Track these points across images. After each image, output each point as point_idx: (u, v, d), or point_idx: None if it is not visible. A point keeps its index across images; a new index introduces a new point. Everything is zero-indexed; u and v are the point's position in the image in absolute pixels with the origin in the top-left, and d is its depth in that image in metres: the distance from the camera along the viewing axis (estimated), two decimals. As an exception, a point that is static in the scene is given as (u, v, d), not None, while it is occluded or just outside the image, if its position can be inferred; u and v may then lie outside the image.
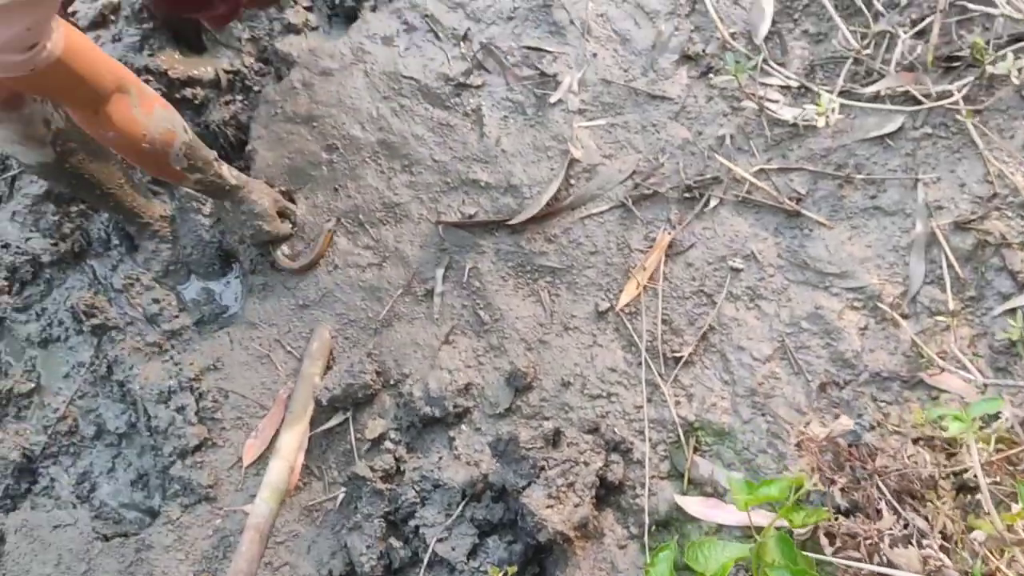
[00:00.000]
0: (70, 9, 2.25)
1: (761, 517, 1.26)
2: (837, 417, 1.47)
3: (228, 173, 1.84)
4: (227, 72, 2.17)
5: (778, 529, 1.13)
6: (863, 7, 1.76)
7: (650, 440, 1.60)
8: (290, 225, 1.97)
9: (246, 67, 2.19)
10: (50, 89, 1.43)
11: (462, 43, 2.01)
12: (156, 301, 2.03)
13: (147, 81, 2.11)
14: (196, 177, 1.75)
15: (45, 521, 1.91)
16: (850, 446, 1.18)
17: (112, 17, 2.20)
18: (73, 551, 1.85)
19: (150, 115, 1.59)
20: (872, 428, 1.38)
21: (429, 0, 2.06)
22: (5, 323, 2.17)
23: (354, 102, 2.02)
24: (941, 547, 0.98)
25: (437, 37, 2.03)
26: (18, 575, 1.87)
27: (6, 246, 2.12)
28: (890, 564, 1.05)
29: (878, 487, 1.08)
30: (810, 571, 1.04)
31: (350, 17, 2.21)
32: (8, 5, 1.07)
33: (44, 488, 1.98)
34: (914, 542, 1.05)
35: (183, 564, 1.74)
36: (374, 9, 2.15)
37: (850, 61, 1.75)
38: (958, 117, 1.62)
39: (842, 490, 1.14)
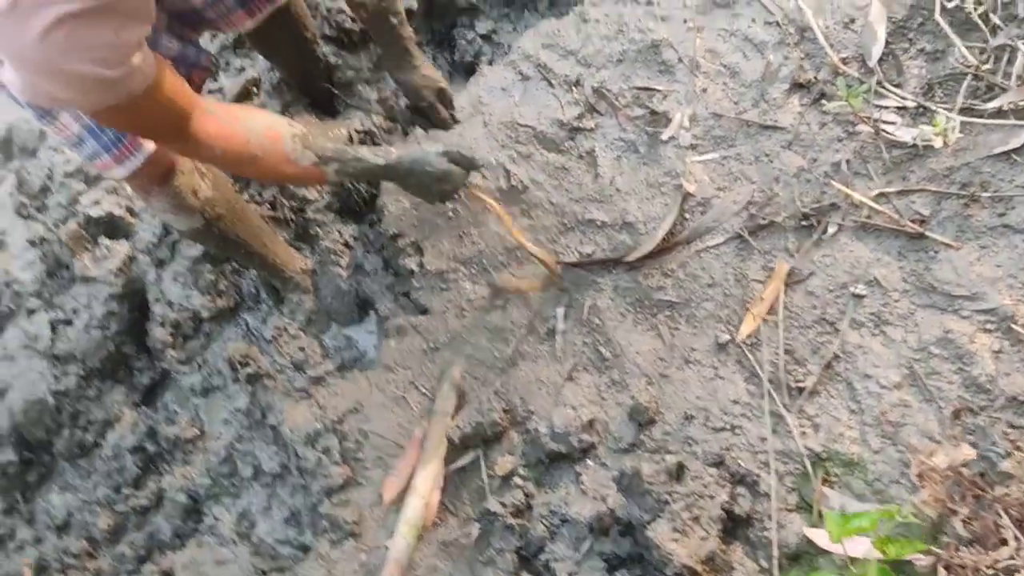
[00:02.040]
0: (216, 84, 2.44)
1: (861, 547, 1.21)
2: (972, 445, 1.39)
3: (371, 153, 1.73)
4: (359, 132, 2.28)
5: (883, 562, 1.08)
6: (980, 22, 1.68)
7: (776, 472, 1.55)
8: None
9: (376, 126, 2.29)
10: (150, 121, 1.38)
11: (574, 88, 2.04)
12: (302, 349, 2.14)
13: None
14: (335, 168, 1.65)
15: (210, 558, 2.03)
16: (976, 475, 1.11)
17: (255, 90, 2.36)
18: (235, 584, 1.96)
19: (242, 120, 1.54)
20: (1007, 456, 1.30)
21: (542, 50, 2.10)
22: (171, 375, 2.34)
23: (474, 152, 2.08)
24: None
25: (550, 84, 2.07)
26: (188, 606, 2.00)
27: (170, 304, 2.29)
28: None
29: (999, 515, 1.01)
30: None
31: (469, 71, 2.29)
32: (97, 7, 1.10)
33: (208, 527, 2.11)
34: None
35: (332, 597, 1.82)
36: (491, 63, 2.22)
37: (969, 77, 1.66)
38: (1090, 126, 1.52)
39: (964, 521, 1.08)
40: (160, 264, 2.31)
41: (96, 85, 1.17)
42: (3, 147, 2.60)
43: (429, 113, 2.06)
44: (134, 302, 2.34)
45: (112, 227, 2.37)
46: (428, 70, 2.05)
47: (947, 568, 1.02)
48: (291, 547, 2.01)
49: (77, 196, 2.40)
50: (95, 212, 2.33)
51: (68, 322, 2.32)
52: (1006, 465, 1.30)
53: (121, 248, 2.34)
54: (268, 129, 1.57)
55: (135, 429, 2.25)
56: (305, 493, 2.00)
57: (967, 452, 1.17)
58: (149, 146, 1.64)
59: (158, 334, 2.26)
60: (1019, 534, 1.00)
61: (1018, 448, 1.32)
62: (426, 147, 1.77)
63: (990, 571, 0.98)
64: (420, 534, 1.73)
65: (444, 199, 1.84)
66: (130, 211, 2.37)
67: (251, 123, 1.55)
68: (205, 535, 2.09)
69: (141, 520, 2.19)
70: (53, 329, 2.32)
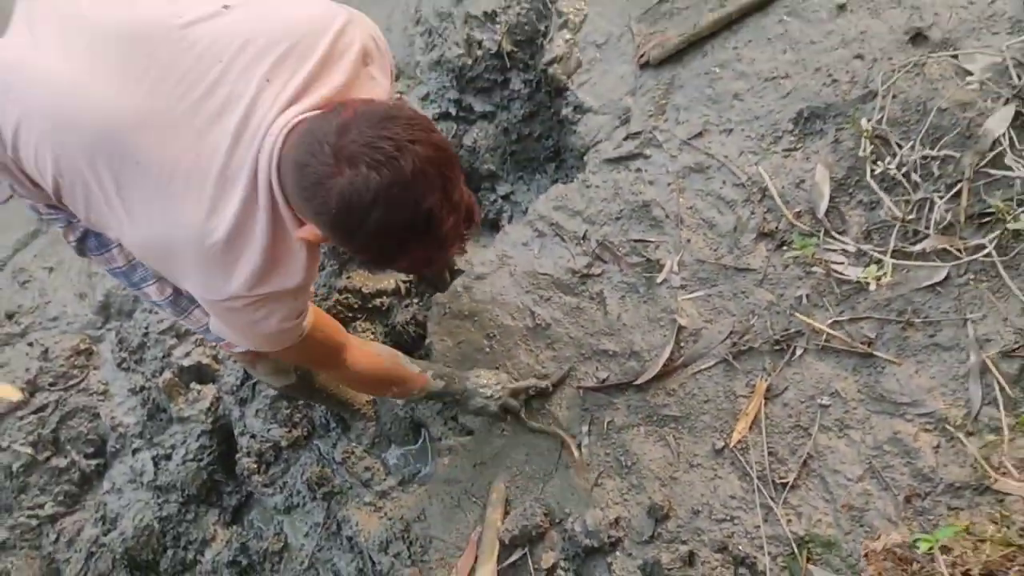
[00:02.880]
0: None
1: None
2: (921, 525, 1.74)
3: (452, 382, 2.23)
4: (404, 282, 2.69)
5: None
6: (903, 180, 2.09)
7: (769, 554, 1.90)
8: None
9: (407, 281, 2.70)
10: (313, 353, 1.81)
11: (582, 242, 2.44)
12: (368, 468, 2.50)
13: (346, 297, 2.65)
14: (439, 384, 2.18)
15: (304, 654, 2.37)
16: (903, 556, 1.46)
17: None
18: (328, 676, 2.29)
19: (372, 347, 2.04)
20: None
21: (553, 211, 2.51)
22: (255, 496, 2.70)
23: (504, 297, 2.47)
24: None
25: (562, 239, 2.47)
26: None
27: (253, 436, 2.65)
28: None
29: None
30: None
31: (493, 227, 2.71)
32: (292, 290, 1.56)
33: (299, 627, 2.46)
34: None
35: None
36: (511, 221, 2.64)
37: (898, 225, 2.07)
38: (995, 263, 1.91)
39: None
40: (243, 403, 2.69)
41: (286, 334, 1.61)
42: (101, 311, 3.01)
43: (435, 282, 2.44)
44: (222, 436, 2.71)
45: (201, 374, 2.76)
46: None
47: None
48: (373, 641, 2.35)
49: (170, 350, 2.80)
50: (186, 362, 2.73)
51: (168, 457, 2.69)
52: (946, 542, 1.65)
53: (209, 391, 2.73)
54: (389, 352, 2.07)
55: (229, 545, 2.60)
56: (379, 593, 2.34)
57: (897, 537, 1.52)
58: None
59: (245, 463, 2.62)
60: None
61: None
62: (487, 391, 2.27)
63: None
64: (484, 622, 2.07)
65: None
66: (215, 359, 2.77)
67: (379, 348, 2.05)
68: (297, 635, 2.43)
69: (239, 625, 2.53)
70: (155, 464, 2.69)
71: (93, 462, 2.82)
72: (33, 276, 3.13)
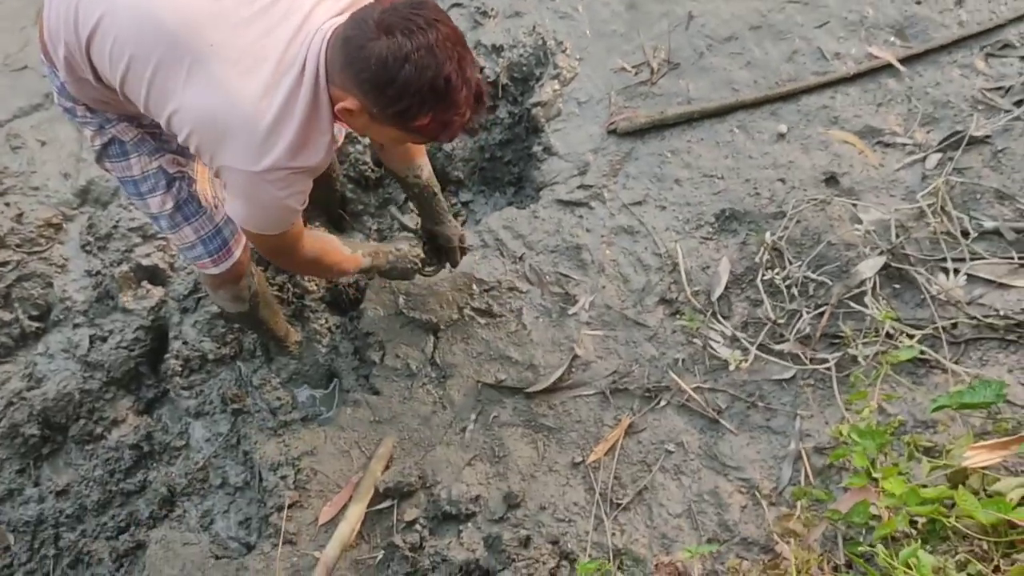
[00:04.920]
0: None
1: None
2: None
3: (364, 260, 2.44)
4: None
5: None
6: (784, 290, 2.47)
7: (590, 556, 2.24)
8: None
9: (370, 249, 2.99)
10: (284, 242, 2.07)
11: (518, 262, 2.76)
12: (278, 399, 2.75)
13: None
14: (368, 261, 2.42)
15: (177, 539, 2.60)
16: (680, 570, 1.82)
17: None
18: (194, 563, 2.52)
19: (319, 238, 2.31)
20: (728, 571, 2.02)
21: (501, 228, 2.82)
22: (170, 395, 2.93)
23: (438, 288, 2.76)
24: None
25: (502, 254, 2.78)
26: (152, 573, 2.56)
27: (185, 343, 2.88)
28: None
29: None
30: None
31: (446, 226, 3.02)
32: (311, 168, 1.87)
33: (178, 515, 2.67)
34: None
35: (267, 584, 2.42)
36: (464, 224, 2.95)
37: (769, 325, 2.45)
38: (831, 377, 2.30)
39: None
40: (184, 311, 2.91)
41: (291, 215, 1.91)
42: (80, 194, 3.20)
43: (452, 255, 2.63)
44: (157, 335, 2.93)
45: (154, 275, 2.98)
46: (454, 224, 2.62)
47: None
48: (240, 543, 2.60)
49: (133, 247, 3.00)
50: (145, 262, 2.95)
51: (104, 339, 2.90)
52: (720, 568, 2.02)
53: (157, 293, 2.95)
54: (328, 238, 2.36)
55: (136, 431, 2.82)
56: (260, 506, 2.60)
57: (680, 555, 1.88)
58: (236, 255, 2.31)
59: (171, 364, 2.85)
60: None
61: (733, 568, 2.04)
62: (407, 254, 2.55)
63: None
64: (343, 550, 2.36)
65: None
66: (171, 267, 3.00)
67: (321, 235, 2.33)
68: (175, 522, 2.66)
69: (125, 500, 2.74)
70: (91, 342, 2.90)
71: (35, 324, 3.01)
72: (26, 144, 3.30)
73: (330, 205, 3.00)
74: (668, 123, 2.84)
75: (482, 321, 2.69)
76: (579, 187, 2.83)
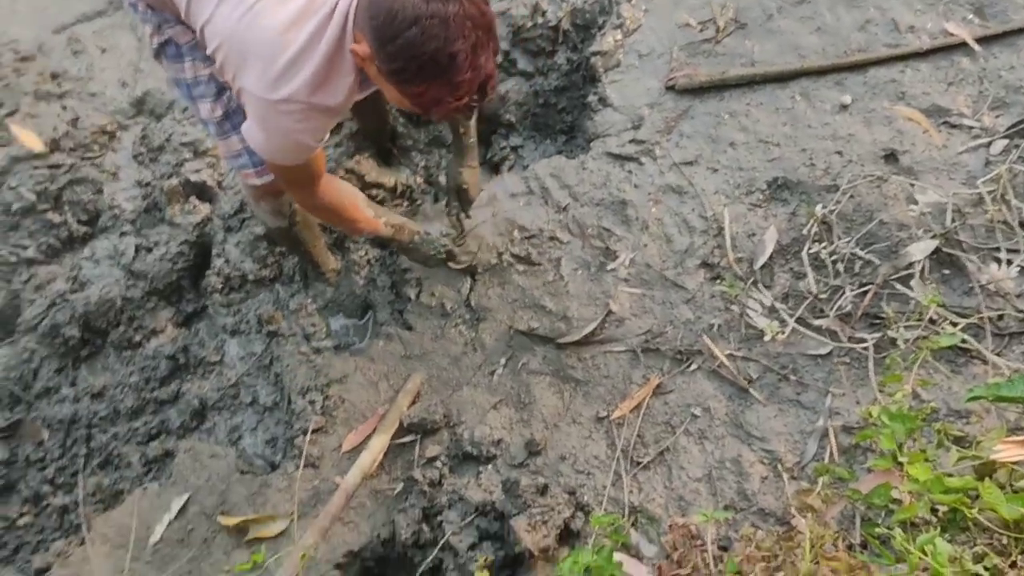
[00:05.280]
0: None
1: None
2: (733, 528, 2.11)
3: (407, 234, 2.51)
4: (403, 185, 2.97)
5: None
6: (830, 264, 2.42)
7: (605, 510, 2.26)
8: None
9: (415, 185, 2.98)
10: (301, 175, 2.10)
11: (562, 212, 2.75)
12: (313, 325, 2.79)
13: (349, 177, 2.92)
14: (388, 229, 2.45)
15: (205, 451, 2.67)
16: (693, 533, 1.82)
17: (337, 130, 3.03)
18: (219, 475, 2.59)
19: (341, 187, 2.31)
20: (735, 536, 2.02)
21: (548, 176, 2.81)
22: (208, 311, 2.98)
23: (478, 231, 2.77)
24: None
25: (546, 203, 2.77)
26: (178, 481, 2.64)
27: (227, 261, 2.92)
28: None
29: (699, 552, 1.73)
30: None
31: (494, 169, 2.99)
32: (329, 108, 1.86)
33: (207, 429, 2.74)
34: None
35: (287, 503, 2.47)
36: (510, 170, 2.93)
37: (810, 299, 2.41)
38: (868, 357, 2.26)
39: (677, 551, 1.79)
40: (229, 230, 2.95)
41: (304, 150, 1.90)
42: (136, 104, 3.23)
43: (459, 198, 2.65)
44: (200, 251, 2.97)
45: (202, 192, 3.01)
46: (472, 174, 2.61)
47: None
48: (264, 461, 2.66)
49: (184, 161, 3.04)
50: (194, 177, 2.98)
51: (149, 250, 2.95)
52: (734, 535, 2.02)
53: (204, 209, 2.98)
54: (353, 193, 2.35)
55: (174, 342, 2.89)
56: (286, 427, 2.65)
57: (695, 519, 1.88)
58: None
59: (212, 280, 2.90)
60: (703, 557, 1.71)
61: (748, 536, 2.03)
62: (435, 241, 2.56)
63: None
64: (364, 479, 2.40)
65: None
66: (219, 184, 3.02)
67: (347, 188, 2.32)
68: (204, 434, 2.73)
69: (158, 409, 2.81)
70: (136, 251, 2.95)
71: (83, 229, 3.07)
72: (86, 50, 3.33)
73: (380, 137, 3.00)
74: (729, 84, 2.77)
75: (520, 268, 2.68)
76: (631, 141, 2.78)
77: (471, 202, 2.64)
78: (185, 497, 2.58)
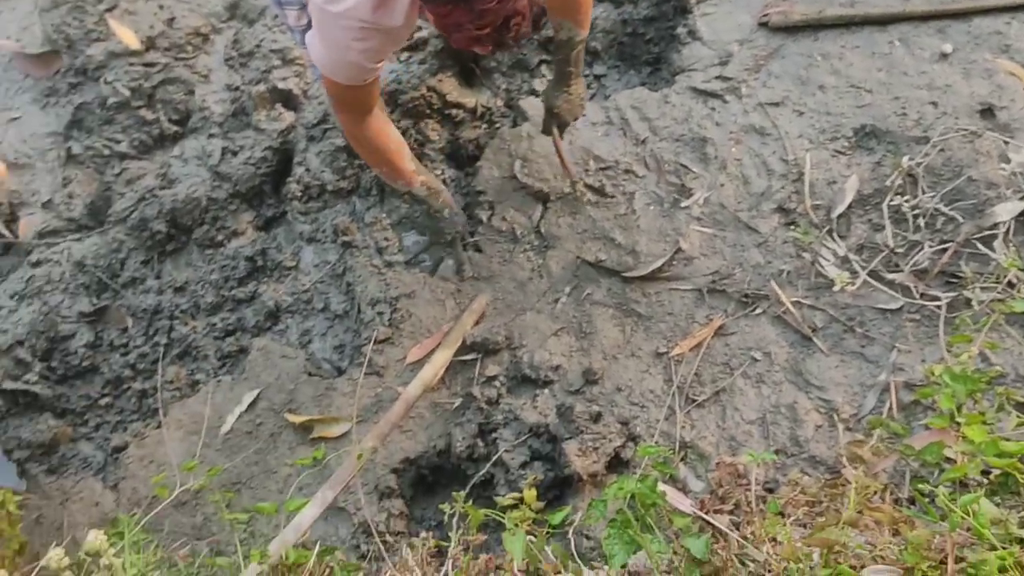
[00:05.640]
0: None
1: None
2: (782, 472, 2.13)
3: (429, 196, 2.58)
4: (483, 107, 2.97)
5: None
6: (910, 219, 2.36)
7: (656, 443, 2.30)
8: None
9: (496, 108, 2.98)
10: (353, 100, 2.17)
11: (640, 145, 2.72)
12: (387, 239, 2.83)
13: (431, 95, 2.93)
14: (421, 181, 2.52)
15: (276, 351, 2.78)
16: (740, 472, 1.85)
17: (423, 47, 3.03)
18: (288, 375, 2.71)
19: (388, 131, 2.36)
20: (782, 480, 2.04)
21: (629, 108, 2.77)
22: (287, 217, 3.06)
23: (555, 159, 2.76)
24: (742, 539, 1.63)
25: (625, 135, 2.75)
26: (250, 376, 2.77)
27: (308, 170, 2.98)
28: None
29: (743, 489, 1.76)
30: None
31: (576, 96, 2.98)
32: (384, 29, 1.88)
33: (280, 331, 2.84)
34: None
35: (350, 407, 2.57)
36: (591, 98, 2.90)
37: (886, 252, 2.36)
38: (939, 316, 2.22)
39: (723, 488, 1.82)
40: (311, 140, 3.00)
41: (360, 70, 1.92)
42: (230, 8, 3.28)
43: (561, 122, 2.60)
44: (283, 158, 3.04)
45: (288, 99, 3.06)
46: (567, 100, 2.53)
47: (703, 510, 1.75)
48: (332, 365, 2.76)
49: (272, 68, 3.08)
50: (281, 85, 3.03)
51: (235, 153, 3.02)
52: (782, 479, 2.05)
53: (289, 117, 3.04)
54: (399, 142, 2.42)
55: (253, 244, 2.98)
56: (355, 335, 2.74)
57: (742, 460, 1.90)
58: None
59: (292, 188, 2.97)
60: (746, 496, 1.74)
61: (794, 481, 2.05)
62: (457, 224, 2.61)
63: (729, 514, 1.73)
64: (424, 391, 2.48)
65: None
66: (304, 93, 3.07)
67: (394, 133, 2.37)
68: (276, 335, 2.84)
69: (235, 307, 2.92)
70: (222, 153, 3.03)
71: (174, 128, 3.16)
72: (185, -50, 3.38)
73: (464, 57, 2.99)
74: (825, 24, 2.68)
75: (593, 198, 2.68)
76: (717, 77, 2.72)
77: (565, 126, 2.62)
78: (256, 392, 2.71)
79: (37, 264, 3.06)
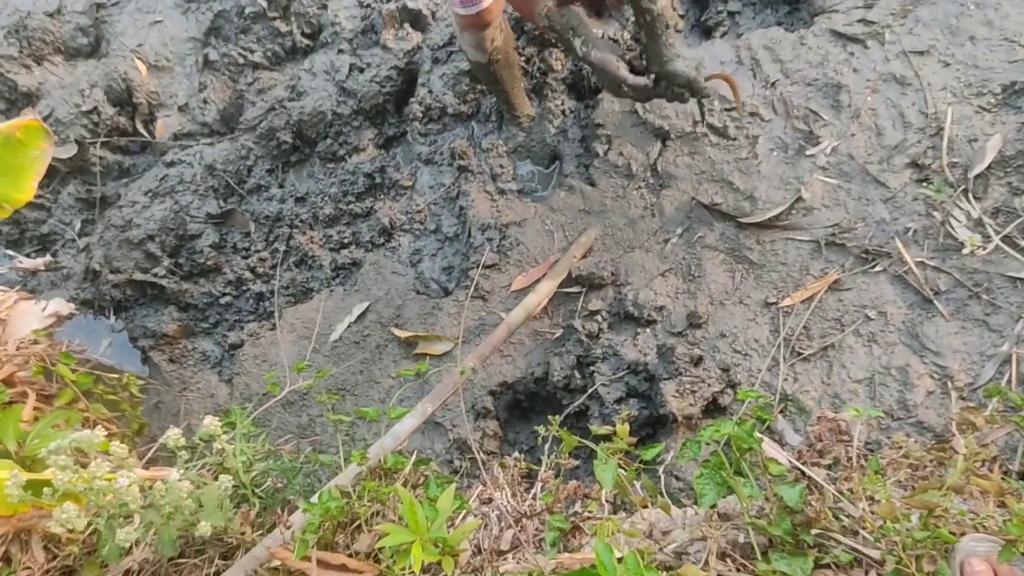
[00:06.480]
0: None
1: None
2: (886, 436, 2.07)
3: (580, 46, 2.26)
4: (611, 38, 2.90)
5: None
6: (1056, 185, 2.21)
7: (755, 392, 2.26)
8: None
9: (623, 40, 2.91)
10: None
11: (769, 87, 2.62)
12: (502, 166, 2.85)
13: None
14: (554, 35, 2.29)
15: (388, 267, 2.85)
16: (840, 428, 1.80)
17: (555, -27, 2.97)
18: (398, 291, 2.78)
19: None
20: (886, 441, 1.98)
21: (762, 48, 2.66)
22: (407, 137, 3.10)
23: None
24: (838, 493, 1.60)
25: (754, 76, 2.65)
26: (361, 289, 2.85)
27: (430, 92, 3.00)
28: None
29: (843, 444, 1.72)
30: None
31: (706, 33, 2.87)
32: None
33: (392, 248, 2.91)
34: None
35: (455, 327, 2.62)
36: (722, 36, 2.80)
37: (1021, 219, 2.22)
38: (1075, 290, 2.09)
39: (821, 443, 1.78)
40: (436, 62, 3.01)
41: None
42: (364, -73, 3.30)
43: (684, 96, 2.30)
44: (407, 78, 3.06)
45: (417, 20, 3.07)
46: (685, 61, 2.25)
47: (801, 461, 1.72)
48: (439, 286, 2.81)
49: (402, -13, 3.11)
50: (411, 4, 3.04)
51: (361, 70, 3.07)
52: (885, 441, 1.98)
53: (416, 37, 3.05)
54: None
55: (373, 161, 3.04)
56: (463, 258, 2.78)
57: (845, 416, 1.85)
58: (484, 3, 2.34)
59: (414, 108, 3.00)
60: (846, 452, 1.70)
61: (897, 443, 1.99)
62: (607, 64, 2.25)
63: (827, 468, 1.69)
64: (527, 318, 2.50)
65: (616, 95, 2.35)
66: (433, 15, 3.07)
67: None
68: (388, 251, 2.90)
69: (352, 221, 3.01)
70: (350, 70, 3.08)
71: (305, 41, 3.22)
72: None
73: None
74: (985, -30, 2.49)
75: (714, 139, 2.60)
76: (860, 20, 2.58)
77: (701, 90, 2.32)
78: (365, 305, 2.79)
79: (171, 164, 3.20)
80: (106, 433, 1.61)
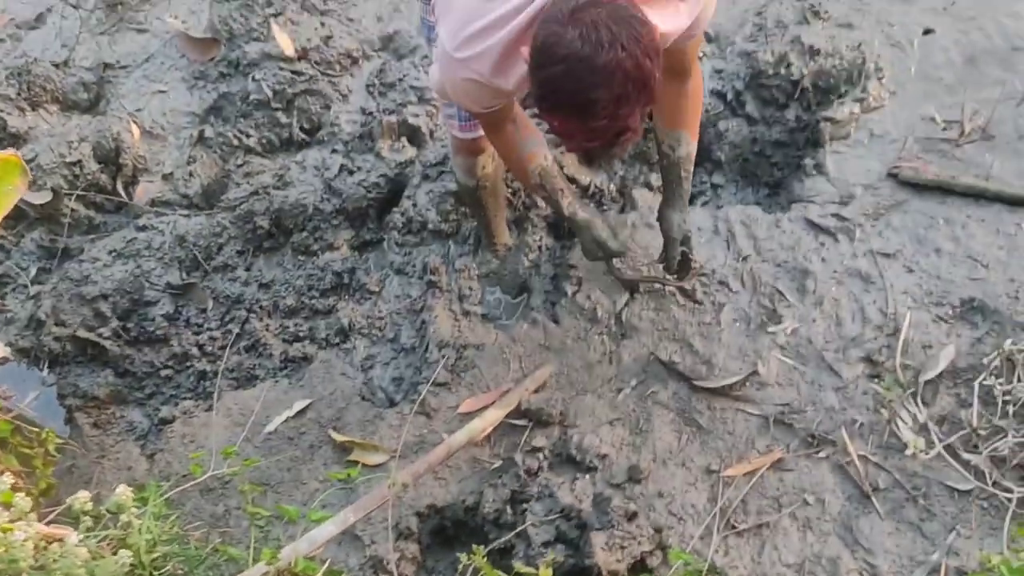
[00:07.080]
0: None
1: None
2: None
3: (567, 206, 2.36)
4: (596, 187, 3.00)
5: None
6: (999, 404, 2.27)
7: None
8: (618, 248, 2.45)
9: (608, 191, 3.01)
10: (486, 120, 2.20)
11: (740, 260, 2.66)
12: (471, 288, 2.83)
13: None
14: (543, 194, 2.38)
15: (338, 367, 2.80)
16: None
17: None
18: (343, 393, 2.72)
19: (525, 139, 2.28)
20: None
21: (737, 223, 2.72)
22: (383, 245, 3.13)
23: (653, 253, 2.76)
24: None
25: (728, 247, 2.71)
26: (307, 385, 2.79)
27: (414, 205, 3.04)
28: None
29: None
30: None
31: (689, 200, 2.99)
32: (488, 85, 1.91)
33: (347, 349, 2.86)
34: None
35: (393, 440, 2.55)
36: (703, 205, 2.91)
37: (967, 431, 2.25)
38: (1005, 508, 2.11)
39: None
40: (425, 178, 3.06)
41: (471, 106, 2.02)
42: (384, 40, 3.42)
43: (670, 249, 2.55)
44: (394, 188, 3.10)
45: (415, 135, 3.15)
46: (684, 218, 2.50)
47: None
48: (385, 396, 2.77)
49: (407, 103, 3.19)
50: (412, 120, 3.13)
51: (351, 172, 3.11)
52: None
53: (410, 151, 3.12)
54: (531, 152, 2.28)
55: (344, 261, 3.04)
56: (415, 371, 2.75)
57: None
58: (480, 131, 2.41)
59: (396, 218, 3.03)
60: None
61: None
62: (593, 225, 2.40)
63: None
64: (468, 443, 2.46)
65: (590, 259, 2.52)
66: (431, 133, 3.16)
67: (528, 140, 2.27)
68: (342, 352, 2.87)
69: (312, 315, 2.97)
70: (340, 170, 3.14)
71: (302, 135, 3.28)
72: (353, -20, 3.56)
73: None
74: (955, 190, 2.64)
75: (681, 300, 2.66)
76: (834, 215, 2.70)
77: (689, 264, 2.59)
78: (307, 402, 2.75)
79: (142, 229, 3.19)
80: (11, 482, 1.53)
